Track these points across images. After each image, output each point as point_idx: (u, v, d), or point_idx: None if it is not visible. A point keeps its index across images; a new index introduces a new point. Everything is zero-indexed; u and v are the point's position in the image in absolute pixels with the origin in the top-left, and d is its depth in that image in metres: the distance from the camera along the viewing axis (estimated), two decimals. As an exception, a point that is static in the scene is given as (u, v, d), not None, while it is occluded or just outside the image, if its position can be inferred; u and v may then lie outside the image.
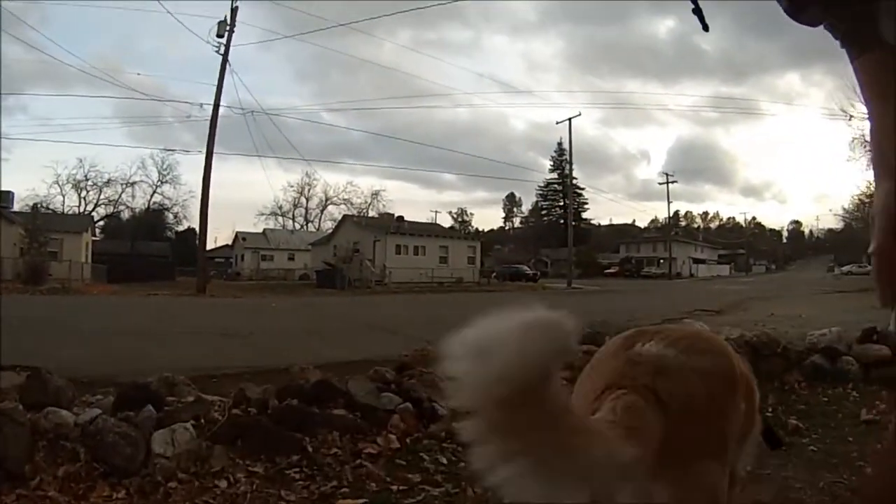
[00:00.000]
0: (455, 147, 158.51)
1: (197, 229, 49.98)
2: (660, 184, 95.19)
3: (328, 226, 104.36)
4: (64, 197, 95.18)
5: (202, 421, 5.80)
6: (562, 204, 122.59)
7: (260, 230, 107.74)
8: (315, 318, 22.64)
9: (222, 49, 43.65)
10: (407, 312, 25.28)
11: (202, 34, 48.52)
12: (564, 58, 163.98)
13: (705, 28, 2.42)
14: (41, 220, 58.99)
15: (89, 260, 67.10)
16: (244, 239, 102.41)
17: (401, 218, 73.30)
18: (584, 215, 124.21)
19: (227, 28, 43.26)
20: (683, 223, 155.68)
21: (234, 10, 43.55)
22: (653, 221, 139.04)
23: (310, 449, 5.60)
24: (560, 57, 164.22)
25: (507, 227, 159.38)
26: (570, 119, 68.94)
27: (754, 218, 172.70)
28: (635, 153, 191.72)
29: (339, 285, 51.25)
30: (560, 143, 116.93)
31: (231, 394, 6.61)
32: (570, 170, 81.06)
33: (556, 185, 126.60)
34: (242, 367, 10.09)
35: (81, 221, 74.43)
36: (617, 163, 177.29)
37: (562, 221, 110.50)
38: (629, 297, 36.99)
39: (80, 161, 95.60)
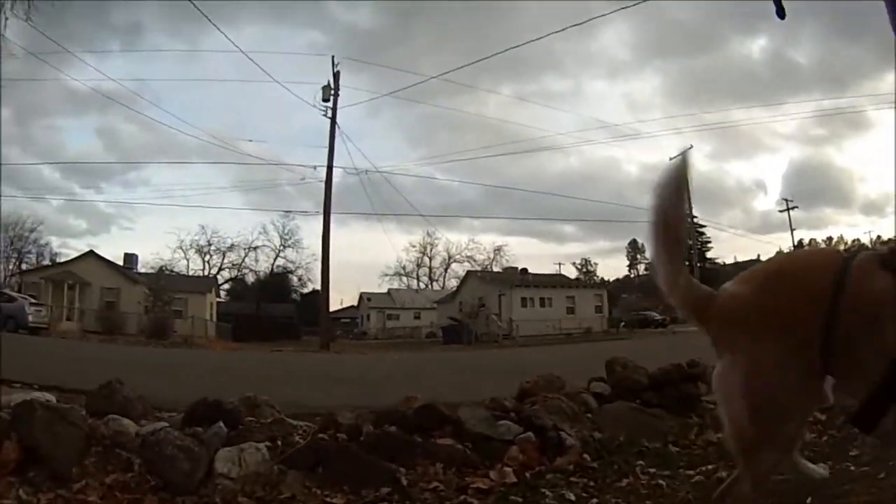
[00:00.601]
0: (570, 196, 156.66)
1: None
2: (780, 211, 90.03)
3: (452, 284, 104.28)
4: (188, 261, 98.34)
5: (279, 443, 5.18)
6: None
7: (385, 290, 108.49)
8: (437, 367, 21.89)
9: (329, 112, 44.72)
10: (535, 357, 24.43)
11: (309, 100, 49.25)
12: (664, 94, 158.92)
13: (781, 15, 2.46)
14: (165, 281, 61.97)
15: (214, 319, 69.13)
16: (369, 299, 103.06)
17: (525, 270, 72.75)
18: (709, 255, 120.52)
19: (332, 92, 44.43)
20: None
21: (336, 75, 44.79)
22: (777, 253, 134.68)
23: (404, 482, 4.70)
24: (659, 93, 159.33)
25: (631, 275, 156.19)
26: (683, 154, 64.49)
27: (879, 237, 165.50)
28: (750, 184, 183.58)
29: (466, 340, 50.78)
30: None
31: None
32: (691, 208, 77.57)
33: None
34: (350, 405, 9.34)
35: (205, 283, 77.18)
36: (733, 196, 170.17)
37: (687, 263, 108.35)
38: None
39: (203, 227, 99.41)
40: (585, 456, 5.58)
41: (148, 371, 15.10)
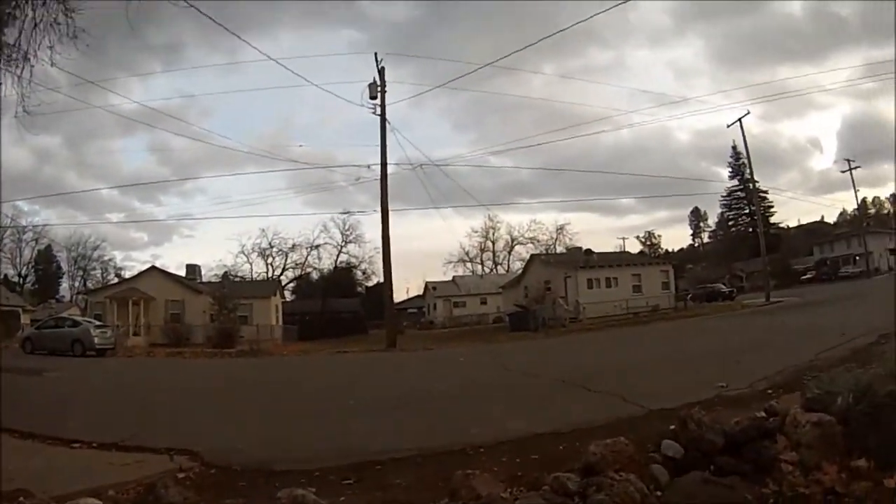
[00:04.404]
0: (624, 169, 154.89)
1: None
2: (842, 171, 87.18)
3: (517, 266, 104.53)
4: (251, 265, 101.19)
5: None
6: (747, 211, 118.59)
7: (449, 278, 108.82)
8: (500, 372, 21.18)
9: (378, 110, 44.11)
10: (599, 357, 23.67)
11: (355, 99, 48.77)
12: (707, 58, 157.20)
13: None
14: (228, 288, 64.19)
15: (279, 322, 70.35)
16: (434, 288, 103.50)
17: (589, 251, 71.82)
18: (772, 220, 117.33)
19: (379, 89, 43.79)
20: (872, 211, 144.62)
21: (381, 71, 44.11)
22: (841, 214, 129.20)
23: None
24: (703, 57, 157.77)
25: (696, 244, 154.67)
26: (740, 119, 62.37)
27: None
28: (805, 144, 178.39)
29: (533, 326, 50.36)
30: (734, 147, 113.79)
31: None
32: (751, 173, 73.51)
33: (738, 193, 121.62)
34: (412, 449, 9.15)
35: (269, 286, 77.91)
36: (789, 158, 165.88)
37: (751, 230, 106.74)
38: (833, 308, 32.45)
39: (263, 231, 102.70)
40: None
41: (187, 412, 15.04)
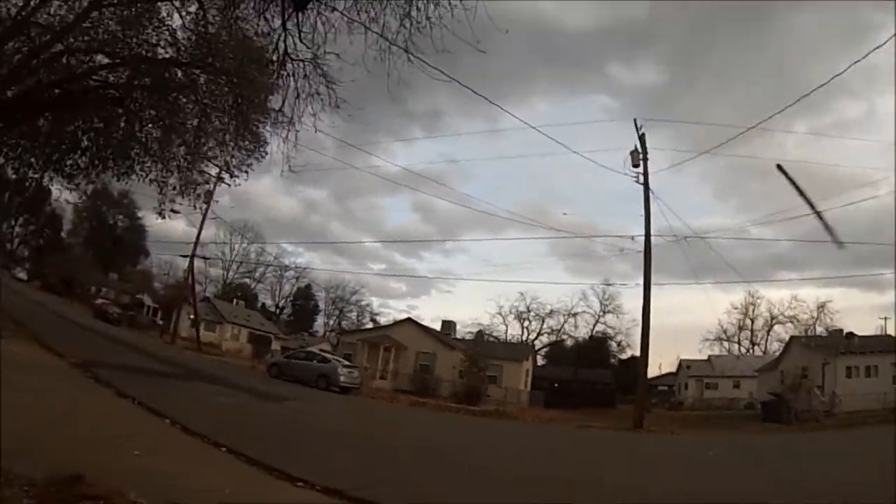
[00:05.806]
0: (883, 238, 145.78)
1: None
2: None
3: (775, 347, 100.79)
4: (507, 326, 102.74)
5: None
6: None
7: (705, 356, 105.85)
8: (759, 481, 19.72)
9: (641, 178, 42.87)
10: (871, 471, 21.27)
11: (611, 165, 47.74)
12: None
13: None
14: (481, 347, 66.42)
15: (528, 386, 71.00)
16: (688, 367, 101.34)
17: (851, 335, 67.06)
18: None
19: (641, 156, 42.61)
20: None
21: (641, 137, 42.87)
22: None
23: None
24: None
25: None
26: None
27: None
28: None
29: (785, 419, 48.35)
30: None
31: None
32: None
33: None
34: None
35: (522, 350, 79.80)
36: None
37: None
38: None
39: (522, 294, 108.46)
40: None
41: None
